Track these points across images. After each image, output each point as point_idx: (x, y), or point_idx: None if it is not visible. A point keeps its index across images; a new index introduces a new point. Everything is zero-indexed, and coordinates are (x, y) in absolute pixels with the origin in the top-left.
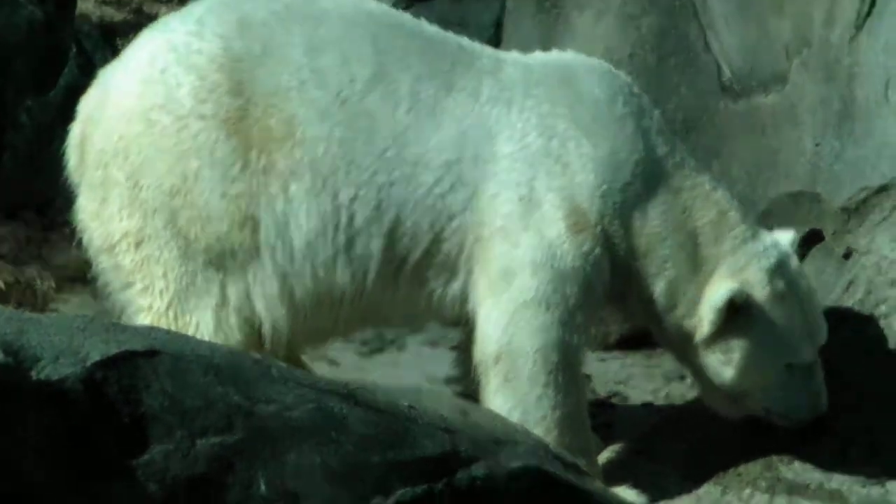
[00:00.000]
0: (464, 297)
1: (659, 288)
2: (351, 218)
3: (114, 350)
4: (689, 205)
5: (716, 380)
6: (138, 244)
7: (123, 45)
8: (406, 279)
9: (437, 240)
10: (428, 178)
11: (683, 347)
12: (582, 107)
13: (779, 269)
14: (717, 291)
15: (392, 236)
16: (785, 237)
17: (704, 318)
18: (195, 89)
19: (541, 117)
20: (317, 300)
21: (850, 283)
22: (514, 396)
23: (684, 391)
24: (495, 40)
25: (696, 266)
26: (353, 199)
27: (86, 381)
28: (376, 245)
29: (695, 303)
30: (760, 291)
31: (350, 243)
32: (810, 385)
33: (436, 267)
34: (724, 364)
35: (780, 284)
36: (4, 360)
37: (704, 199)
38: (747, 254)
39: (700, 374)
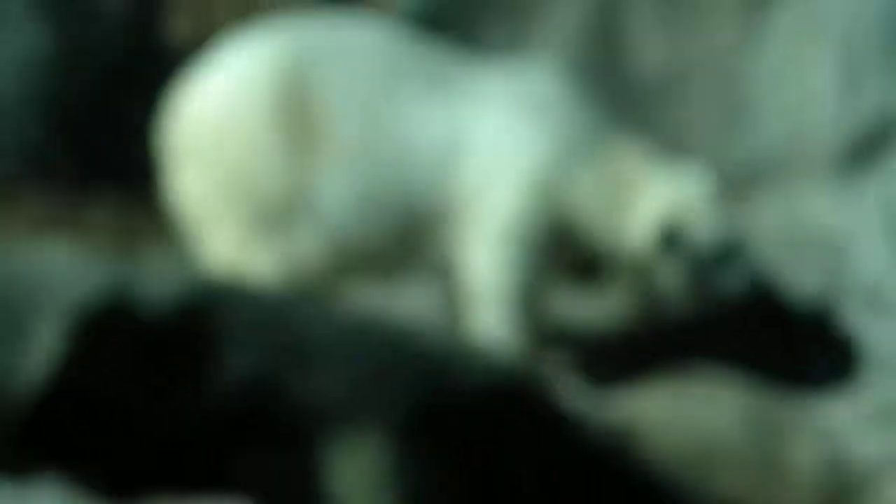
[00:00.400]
0: (454, 247)
1: (597, 228)
2: (374, 190)
3: (196, 289)
4: (615, 157)
5: (664, 288)
6: (209, 208)
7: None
8: (413, 234)
9: (437, 203)
10: (428, 161)
11: (633, 273)
12: (531, 99)
13: (692, 191)
14: (646, 217)
15: (402, 203)
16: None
17: (639, 240)
18: (254, 95)
19: (504, 111)
20: (351, 251)
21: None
22: (492, 320)
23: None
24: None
25: (622, 205)
26: (374, 177)
27: (174, 314)
28: (396, 211)
29: (627, 234)
30: (685, 210)
31: (376, 209)
32: (738, 267)
33: (438, 223)
34: (664, 275)
35: (698, 204)
36: (116, 294)
37: (626, 151)
38: (666, 183)
39: (652, 289)
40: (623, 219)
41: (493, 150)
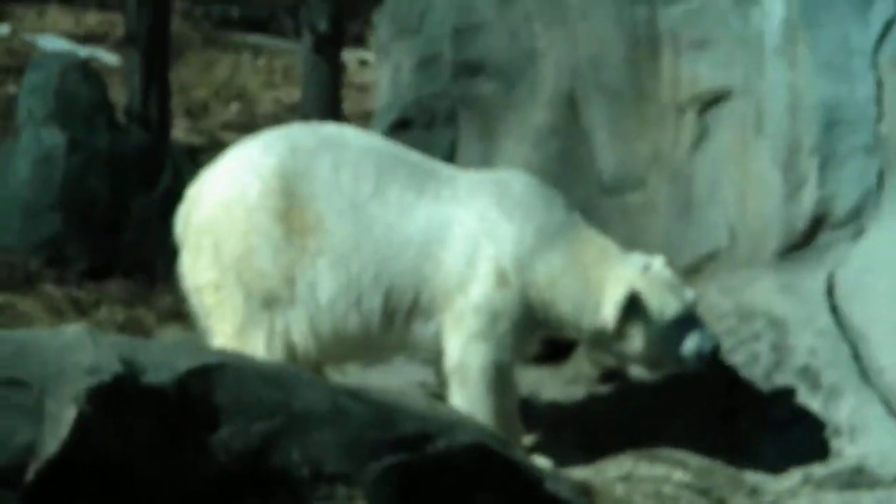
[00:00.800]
0: (437, 335)
1: (569, 307)
2: (359, 283)
3: (196, 364)
4: (579, 248)
5: (634, 358)
6: (217, 289)
7: (203, 160)
8: (399, 323)
9: (417, 296)
10: (409, 255)
11: (603, 343)
12: (505, 199)
13: (651, 269)
14: (610, 295)
15: (387, 295)
16: (657, 259)
17: (608, 315)
18: (260, 190)
19: (478, 210)
20: (337, 338)
21: None
22: (466, 397)
23: (577, 392)
24: (452, 157)
25: (589, 286)
26: (360, 270)
27: (177, 385)
28: (377, 301)
29: (597, 308)
30: (642, 285)
31: (359, 300)
32: (698, 335)
33: (417, 315)
34: (636, 348)
35: (655, 278)
36: (123, 370)
37: (590, 242)
38: (627, 265)
39: (623, 357)
40: (590, 297)
41: (470, 243)
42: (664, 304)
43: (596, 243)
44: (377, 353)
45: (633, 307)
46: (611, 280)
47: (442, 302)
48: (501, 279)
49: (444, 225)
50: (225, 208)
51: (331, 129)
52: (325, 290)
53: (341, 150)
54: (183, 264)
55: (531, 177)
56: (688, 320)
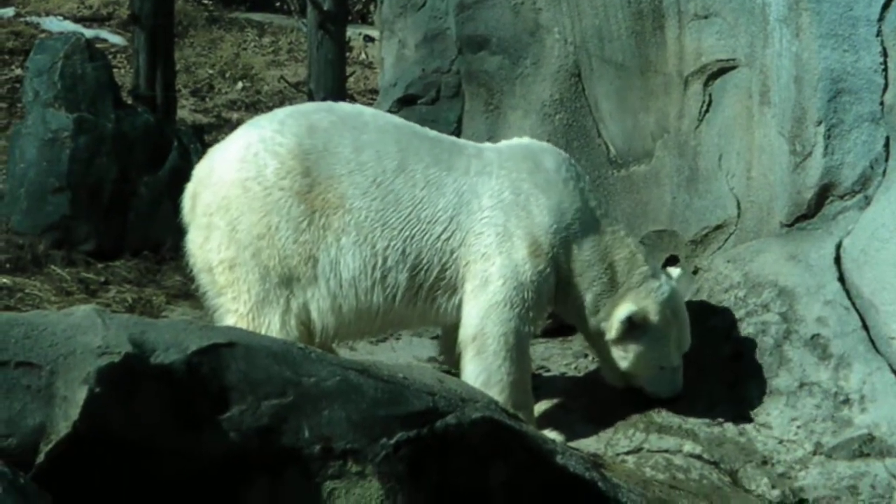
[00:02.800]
0: (459, 307)
1: (588, 299)
2: (384, 260)
3: (205, 343)
4: (610, 244)
5: (614, 366)
6: (231, 268)
7: (209, 139)
8: (422, 299)
9: (442, 269)
10: (437, 229)
11: (597, 341)
12: (538, 173)
13: (668, 301)
14: (623, 310)
15: (413, 270)
16: (675, 272)
17: (613, 325)
18: (277, 170)
19: (511, 181)
20: (358, 314)
21: (698, 290)
22: (483, 365)
23: (588, 365)
24: (458, 131)
25: (612, 287)
26: (385, 248)
27: (187, 364)
28: (402, 277)
29: (609, 313)
30: (653, 317)
31: (384, 277)
32: (673, 378)
33: (442, 288)
34: (622, 358)
35: (668, 313)
36: (132, 350)
37: (620, 242)
38: (648, 288)
39: (605, 359)
40: (608, 300)
41: (502, 213)
42: (666, 347)
43: (626, 245)
44: (396, 328)
45: (639, 331)
46: (631, 295)
47: (466, 272)
48: (535, 249)
49: (475, 197)
50: (241, 187)
51: (346, 107)
52: (349, 268)
53: (360, 129)
54: (191, 242)
55: (559, 150)
56: (678, 366)
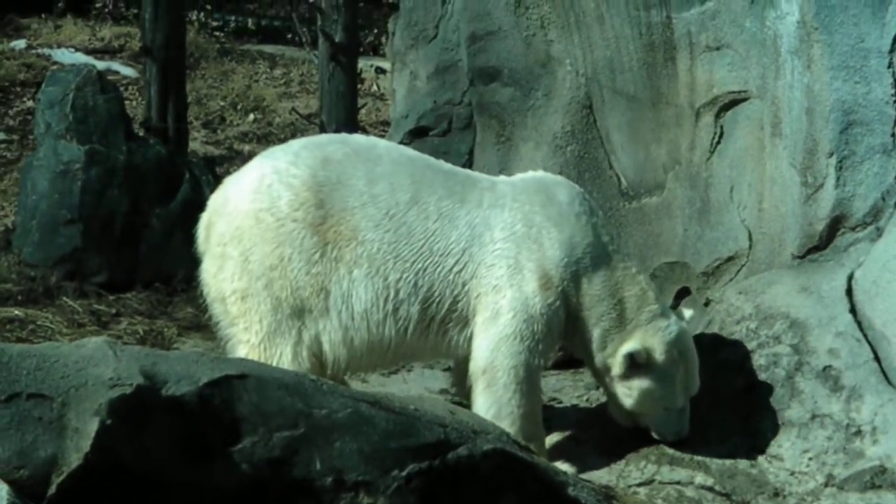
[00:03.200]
0: (470, 339)
1: (595, 334)
2: (397, 293)
3: (217, 375)
4: (621, 280)
5: (619, 403)
6: (244, 298)
7: (221, 171)
8: (434, 331)
9: (454, 301)
10: (449, 261)
11: (604, 377)
12: (551, 206)
13: (675, 342)
14: (628, 347)
15: (425, 303)
16: (688, 313)
17: (617, 363)
18: (291, 201)
19: (524, 214)
20: (369, 346)
21: (709, 321)
22: (493, 397)
23: (599, 397)
24: (469, 163)
25: (621, 323)
26: (398, 280)
27: (198, 396)
28: (414, 309)
29: (616, 349)
30: (659, 356)
31: (395, 309)
32: (679, 420)
33: (454, 321)
34: (626, 395)
35: (674, 353)
36: (144, 382)
37: (631, 279)
38: (656, 327)
39: (610, 395)
40: (615, 336)
41: (514, 246)
42: (671, 387)
43: (637, 282)
44: (408, 361)
45: (643, 370)
46: (638, 333)
47: (477, 304)
48: (545, 282)
49: (487, 229)
50: (254, 218)
51: (361, 139)
52: (361, 300)
53: (374, 162)
54: (205, 272)
55: (572, 184)
56: (684, 408)
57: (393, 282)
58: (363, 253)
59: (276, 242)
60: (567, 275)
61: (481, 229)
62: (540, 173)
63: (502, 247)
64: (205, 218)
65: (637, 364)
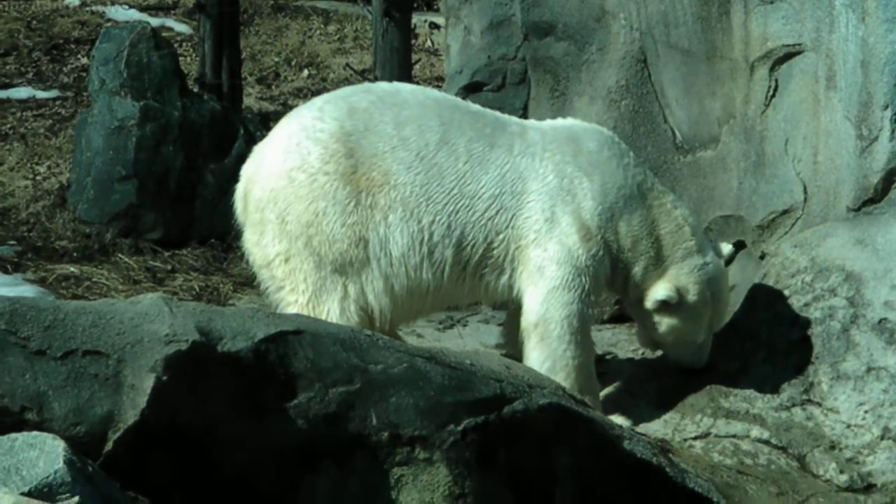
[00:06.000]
0: (510, 287)
1: (636, 270)
2: (431, 235)
3: (272, 331)
4: (657, 217)
5: (647, 332)
6: (286, 260)
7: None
8: (469, 275)
9: (489, 248)
10: (481, 206)
11: (635, 305)
12: (581, 155)
13: (709, 282)
14: (661, 289)
15: (459, 246)
16: (726, 248)
17: (649, 299)
18: (321, 155)
19: (555, 164)
20: (409, 292)
21: (765, 274)
22: (547, 350)
23: (654, 351)
24: (524, 118)
25: (659, 260)
26: (431, 223)
27: (254, 352)
28: (448, 253)
29: (650, 284)
30: (691, 297)
31: (431, 252)
32: (699, 352)
33: (489, 266)
34: (654, 326)
35: (707, 294)
36: (199, 338)
37: (667, 214)
38: (691, 265)
39: (641, 324)
40: (653, 272)
41: (549, 199)
42: (698, 325)
43: (673, 218)
44: (450, 305)
45: (674, 307)
46: (672, 270)
47: (517, 255)
48: (585, 233)
49: (519, 178)
50: (286, 178)
51: (384, 86)
52: (398, 245)
53: (401, 106)
54: (247, 241)
55: (601, 130)
56: (705, 341)
57: (427, 224)
58: (396, 197)
59: (309, 199)
60: (604, 222)
61: (512, 177)
62: (569, 121)
63: (536, 198)
64: (240, 188)
65: (668, 305)
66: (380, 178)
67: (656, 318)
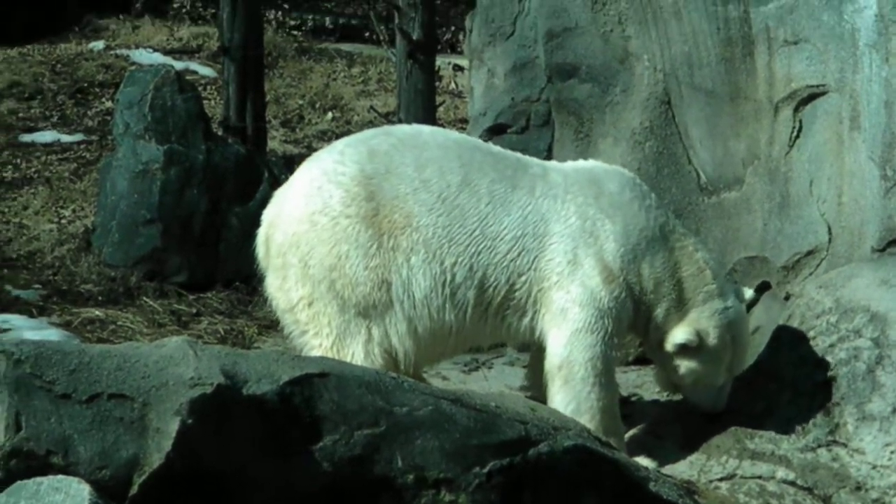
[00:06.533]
0: (532, 329)
1: (658, 312)
2: (453, 277)
3: (297, 373)
4: (679, 259)
5: (666, 374)
6: (310, 304)
7: None
8: (492, 316)
9: (511, 289)
10: (503, 247)
11: (653, 345)
12: (603, 197)
13: (730, 325)
14: (681, 333)
15: (481, 287)
16: (747, 293)
17: (669, 342)
18: (342, 198)
19: (577, 206)
20: (433, 334)
21: (790, 315)
22: (571, 393)
23: (674, 394)
24: (548, 160)
25: (680, 302)
26: (454, 264)
27: (279, 395)
28: (471, 294)
29: (671, 327)
30: (711, 340)
31: (453, 294)
32: (718, 395)
33: (512, 307)
34: (673, 369)
35: (727, 337)
36: (224, 381)
37: (689, 257)
38: (712, 308)
39: (660, 367)
40: (674, 314)
41: (571, 241)
42: (717, 369)
43: (695, 260)
44: (472, 346)
45: (693, 351)
46: (693, 314)
47: (539, 297)
48: (608, 275)
49: (542, 220)
50: (308, 222)
51: (404, 128)
52: (421, 287)
53: (421, 148)
54: (270, 286)
55: (623, 171)
56: (724, 385)
57: (449, 266)
58: (419, 238)
59: (332, 242)
60: (627, 264)
61: (534, 219)
62: (591, 162)
63: (558, 240)
64: (262, 233)
65: (688, 349)
66: (402, 220)
67: (676, 360)
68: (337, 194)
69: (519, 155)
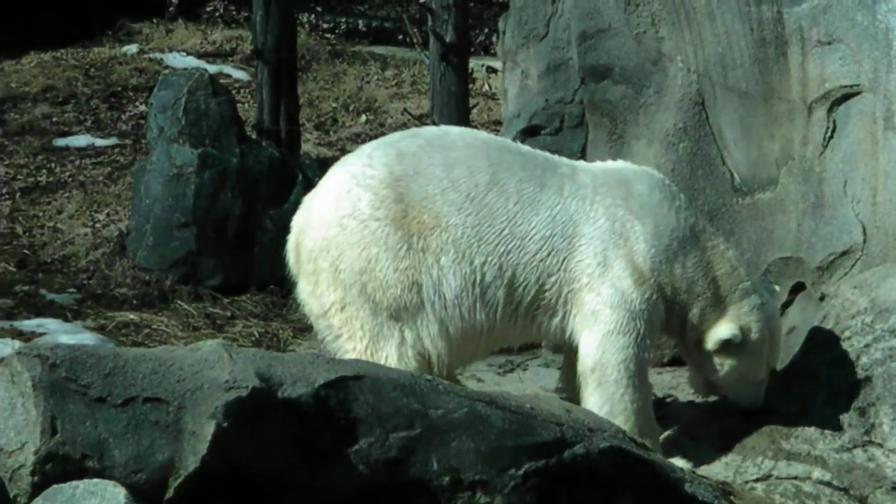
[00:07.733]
0: (562, 329)
1: (694, 312)
2: (483, 276)
3: (332, 376)
4: (711, 258)
5: (705, 375)
6: (342, 308)
7: None
8: (522, 316)
9: (541, 289)
10: (532, 247)
11: (691, 348)
12: (632, 198)
13: (768, 320)
14: (725, 329)
15: (511, 287)
16: (776, 289)
17: (711, 339)
18: (371, 201)
19: (606, 207)
20: (464, 334)
21: (825, 316)
22: (605, 395)
23: (708, 396)
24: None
25: (717, 301)
26: (483, 264)
27: (314, 398)
28: (501, 293)
29: (710, 326)
30: (753, 334)
31: (483, 293)
32: (758, 390)
33: (542, 307)
34: (713, 371)
35: (766, 332)
36: (259, 384)
37: (720, 256)
38: (750, 304)
39: (697, 368)
40: (711, 314)
41: (601, 242)
42: (759, 363)
43: (727, 260)
44: (503, 346)
45: (737, 347)
46: (732, 311)
47: (570, 298)
48: (638, 277)
49: (570, 221)
50: (338, 226)
51: (432, 130)
52: (451, 287)
53: (449, 148)
54: (302, 291)
55: (652, 172)
56: (764, 380)
57: (479, 265)
58: (448, 239)
59: (362, 245)
60: (657, 265)
61: (563, 219)
62: (620, 163)
63: (588, 242)
64: (292, 239)
65: (732, 344)
66: (431, 220)
67: (717, 358)
68: (366, 197)
69: (547, 154)
